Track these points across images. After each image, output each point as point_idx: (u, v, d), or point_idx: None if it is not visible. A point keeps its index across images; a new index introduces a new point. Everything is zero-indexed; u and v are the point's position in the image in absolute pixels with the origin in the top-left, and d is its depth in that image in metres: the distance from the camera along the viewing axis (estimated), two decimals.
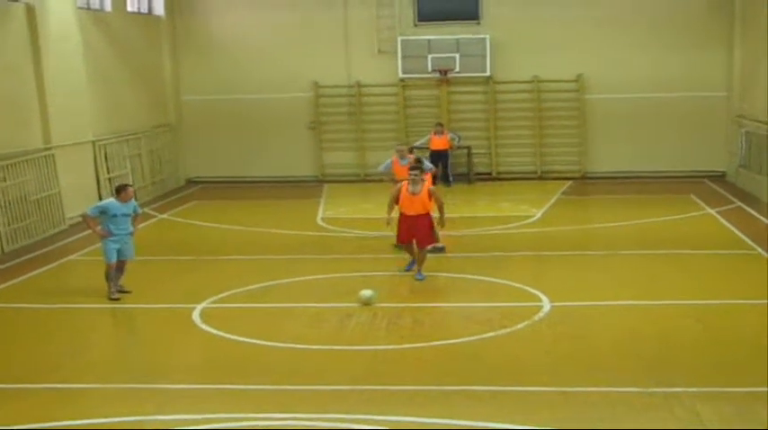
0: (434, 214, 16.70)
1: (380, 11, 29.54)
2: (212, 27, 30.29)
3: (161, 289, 16.57)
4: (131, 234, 16.01)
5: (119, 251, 15.74)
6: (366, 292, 14.77)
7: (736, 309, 14.43)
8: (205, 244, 20.22)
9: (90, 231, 16.35)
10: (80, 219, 19.13)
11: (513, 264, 18.05)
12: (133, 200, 16.19)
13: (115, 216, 15.67)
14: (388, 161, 20.68)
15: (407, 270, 17.00)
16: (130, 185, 16.39)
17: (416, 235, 16.56)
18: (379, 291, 15.16)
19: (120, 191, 16.00)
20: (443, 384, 11.24)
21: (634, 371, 11.51)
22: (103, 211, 15.76)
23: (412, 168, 16.89)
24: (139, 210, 16.49)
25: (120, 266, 15.94)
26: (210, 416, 10.28)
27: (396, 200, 16.68)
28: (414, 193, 16.42)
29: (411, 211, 16.46)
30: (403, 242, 16.94)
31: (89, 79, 24.31)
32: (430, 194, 16.48)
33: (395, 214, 16.81)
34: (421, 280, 16.49)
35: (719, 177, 28.58)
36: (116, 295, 15.64)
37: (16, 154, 20.86)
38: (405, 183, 16.65)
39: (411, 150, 21.14)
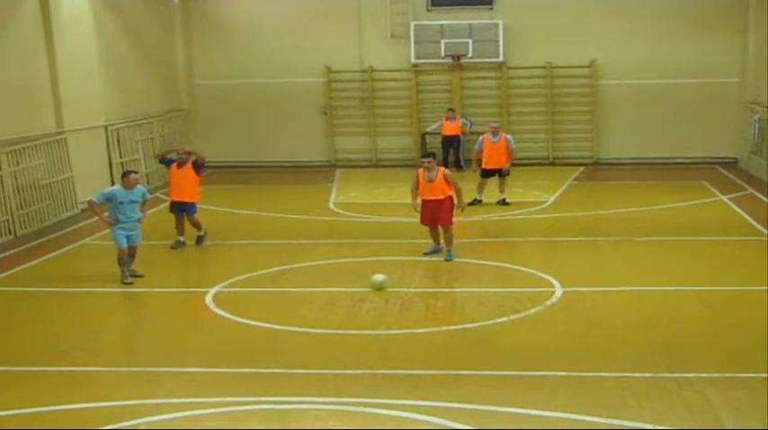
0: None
1: None
2: (225, 11, 30.30)
3: (174, 273, 16.65)
4: (139, 220, 15.95)
5: (128, 237, 15.72)
6: (378, 277, 14.80)
7: (748, 295, 14.43)
8: (217, 228, 20.22)
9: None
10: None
11: (525, 249, 18.06)
12: (140, 186, 16.10)
13: (122, 203, 15.61)
14: (480, 139, 22.29)
15: (428, 253, 17.11)
16: (135, 172, 16.24)
17: (439, 217, 16.89)
18: (392, 275, 15.22)
19: (123, 177, 16.06)
20: (456, 369, 11.28)
21: (646, 357, 11.52)
22: (110, 199, 15.72)
23: (424, 155, 17.61)
24: (148, 196, 16.41)
25: (132, 252, 15.89)
26: (223, 399, 10.30)
27: (416, 187, 17.06)
28: (430, 180, 16.84)
29: (431, 196, 16.88)
30: (425, 224, 17.20)
31: (101, 63, 24.34)
32: (446, 179, 16.80)
33: (419, 199, 17.14)
34: (450, 260, 16.72)
35: (731, 164, 28.51)
36: (129, 279, 15.66)
37: (29, 138, 20.90)
38: (422, 169, 17.02)
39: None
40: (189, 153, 18.72)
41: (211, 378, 11.31)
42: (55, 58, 22.13)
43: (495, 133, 22.07)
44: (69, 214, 22.02)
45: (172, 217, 18.55)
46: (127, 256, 15.79)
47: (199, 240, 18.51)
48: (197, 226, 18.51)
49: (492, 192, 22.24)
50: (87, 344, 12.73)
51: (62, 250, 18.82)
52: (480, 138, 22.47)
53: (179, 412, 9.96)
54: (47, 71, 22.04)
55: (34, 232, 20.35)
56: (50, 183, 21.51)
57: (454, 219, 17.06)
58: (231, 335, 13.04)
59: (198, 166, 18.49)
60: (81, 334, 13.22)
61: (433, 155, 17.32)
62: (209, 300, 14.55)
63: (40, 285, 16.03)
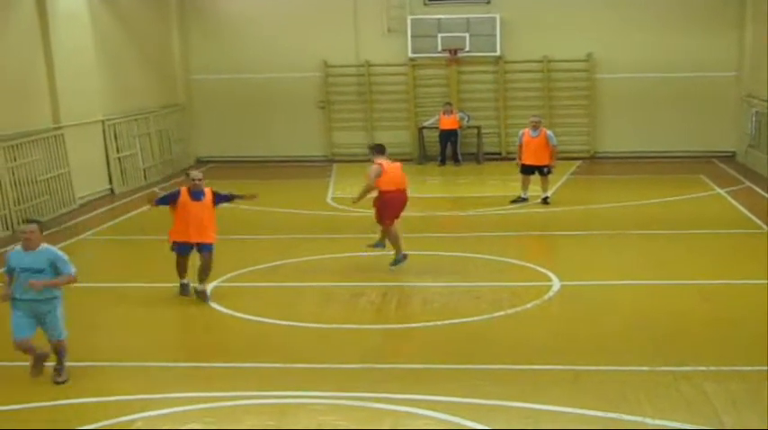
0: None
1: None
2: (221, 6, 30.24)
3: (170, 268, 16.55)
4: (49, 300, 10.61)
5: (38, 324, 10.72)
6: None
7: (745, 288, 14.44)
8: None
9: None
10: (89, 198, 18.99)
11: (523, 243, 18.06)
12: (48, 247, 10.71)
13: (15, 271, 10.61)
14: (520, 133, 21.84)
15: (376, 246, 16.34)
16: (34, 222, 10.93)
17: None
18: (388, 269, 15.39)
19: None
20: (454, 363, 11.30)
21: (643, 351, 11.54)
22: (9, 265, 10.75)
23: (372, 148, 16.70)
24: (71, 270, 10.65)
25: (56, 347, 10.82)
26: (221, 394, 10.32)
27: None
28: None
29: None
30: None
31: (98, 58, 24.32)
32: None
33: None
34: (380, 247, 16.24)
35: (729, 157, 28.50)
36: (59, 379, 10.81)
37: (26, 134, 20.88)
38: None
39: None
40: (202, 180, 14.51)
41: (209, 373, 11.32)
42: (51, 53, 22.10)
43: (535, 127, 21.45)
44: (67, 209, 21.99)
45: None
46: (38, 353, 10.81)
47: (202, 295, 14.24)
48: (207, 269, 14.26)
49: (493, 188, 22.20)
50: (82, 340, 12.62)
51: (59, 245, 18.61)
52: (520, 132, 21.98)
53: (176, 407, 9.96)
54: (43, 66, 22.02)
55: None
56: (48, 179, 21.49)
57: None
58: (228, 331, 13.05)
59: (222, 198, 14.84)
60: (78, 329, 13.11)
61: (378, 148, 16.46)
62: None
63: None
